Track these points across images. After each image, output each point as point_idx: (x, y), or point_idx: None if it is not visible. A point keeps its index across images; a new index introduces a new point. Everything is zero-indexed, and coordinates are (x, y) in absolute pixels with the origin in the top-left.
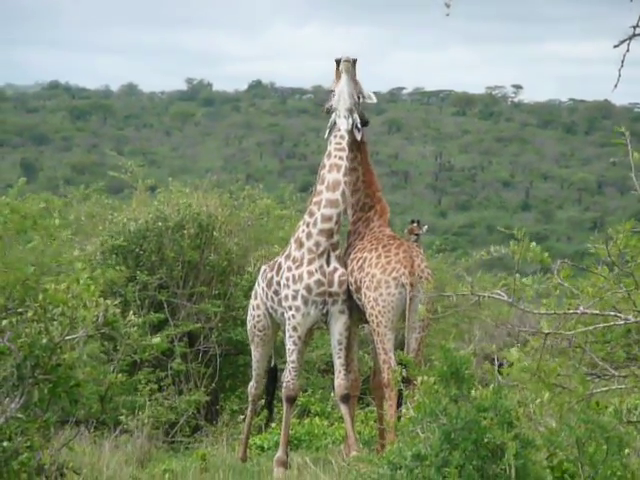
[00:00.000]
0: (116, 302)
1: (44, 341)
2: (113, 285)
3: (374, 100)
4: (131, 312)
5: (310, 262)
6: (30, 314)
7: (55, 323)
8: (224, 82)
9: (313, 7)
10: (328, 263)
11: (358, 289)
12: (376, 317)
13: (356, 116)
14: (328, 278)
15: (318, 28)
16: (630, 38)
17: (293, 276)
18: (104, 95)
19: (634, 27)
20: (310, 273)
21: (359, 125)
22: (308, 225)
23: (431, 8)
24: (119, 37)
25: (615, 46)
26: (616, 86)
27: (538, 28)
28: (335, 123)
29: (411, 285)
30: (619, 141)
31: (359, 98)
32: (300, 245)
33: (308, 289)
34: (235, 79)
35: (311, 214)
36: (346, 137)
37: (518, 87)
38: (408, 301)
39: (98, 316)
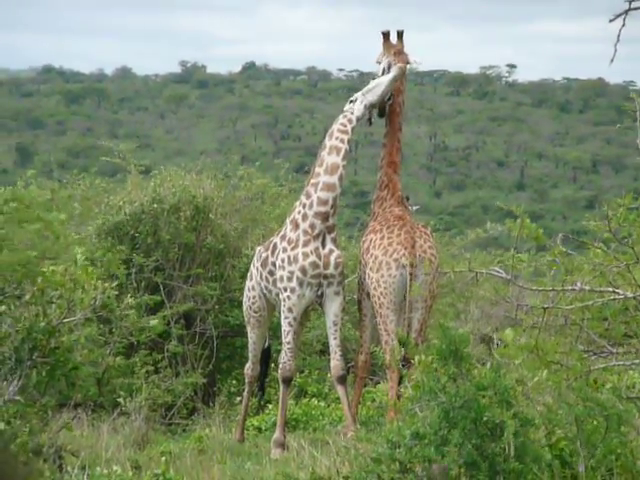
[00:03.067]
0: (113, 285)
1: (42, 324)
2: (110, 267)
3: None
4: (128, 295)
5: (305, 244)
6: (28, 297)
7: (53, 306)
8: (218, 64)
9: None
10: (324, 245)
11: (364, 270)
12: (378, 298)
13: (375, 112)
14: (324, 260)
15: (311, 9)
16: (626, 12)
17: (288, 257)
18: (98, 79)
19: (629, 1)
20: (305, 255)
21: (372, 120)
22: (304, 206)
23: None
24: (112, 21)
25: (611, 20)
26: (612, 61)
27: (531, 7)
28: (355, 101)
29: (411, 266)
30: (627, 107)
31: (388, 99)
32: (296, 226)
33: (303, 271)
34: (229, 61)
35: (308, 195)
36: (354, 123)
37: (512, 66)
38: (408, 282)
39: (96, 299)
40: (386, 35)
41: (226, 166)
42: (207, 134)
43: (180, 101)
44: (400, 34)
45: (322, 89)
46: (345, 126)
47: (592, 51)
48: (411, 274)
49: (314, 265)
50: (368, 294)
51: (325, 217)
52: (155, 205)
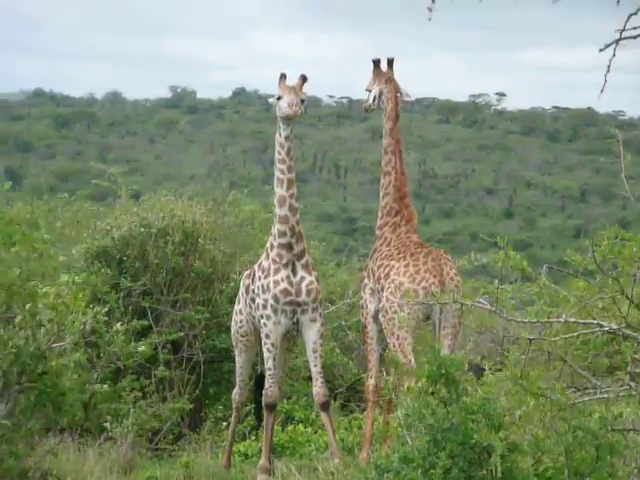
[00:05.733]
0: (104, 310)
1: (31, 349)
2: (97, 292)
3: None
4: (118, 323)
5: (276, 272)
6: (18, 320)
7: (42, 330)
8: (208, 90)
9: (296, 15)
10: (295, 273)
11: (381, 294)
12: (399, 321)
13: (292, 126)
14: (295, 288)
15: (302, 35)
16: (616, 42)
17: (262, 285)
18: (88, 103)
19: (620, 31)
20: (276, 282)
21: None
22: (272, 236)
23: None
24: (103, 45)
25: (601, 50)
26: (602, 91)
27: (521, 36)
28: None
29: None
30: (609, 143)
31: (374, 100)
32: (267, 255)
33: (275, 298)
34: (219, 86)
35: (273, 226)
36: (285, 145)
37: (501, 95)
38: (439, 311)
39: (85, 324)
40: (376, 63)
41: (215, 191)
42: (197, 159)
43: (170, 126)
44: (390, 62)
45: (312, 115)
46: (280, 154)
47: (582, 80)
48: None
49: (286, 292)
50: (374, 317)
51: (289, 246)
52: (143, 229)
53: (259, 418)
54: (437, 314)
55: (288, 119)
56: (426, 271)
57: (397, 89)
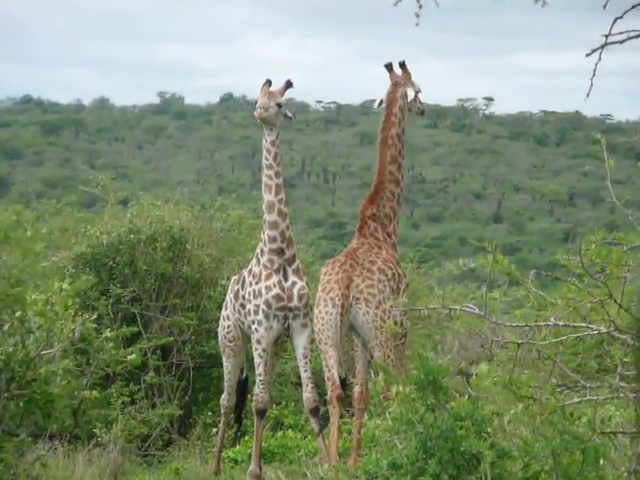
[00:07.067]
0: (93, 317)
1: (20, 355)
2: (86, 298)
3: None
4: (108, 330)
5: (268, 277)
6: (7, 327)
7: (31, 337)
8: (196, 95)
9: (285, 20)
10: (286, 278)
11: None
12: (317, 334)
13: (277, 131)
14: (287, 293)
15: (290, 41)
16: (602, 47)
17: (254, 291)
18: (76, 109)
19: (606, 36)
20: (268, 288)
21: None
22: (262, 242)
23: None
24: (91, 52)
25: (587, 55)
26: (588, 95)
27: (508, 40)
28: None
29: (341, 307)
30: (595, 148)
31: (380, 104)
32: (258, 261)
33: (267, 304)
34: (207, 92)
35: (262, 232)
36: (272, 151)
37: (489, 99)
38: (339, 320)
39: (74, 331)
40: (388, 67)
41: (203, 197)
42: (185, 165)
43: (158, 132)
44: (402, 65)
45: (300, 121)
46: (267, 159)
47: (569, 84)
48: (342, 314)
49: (278, 298)
50: (351, 326)
51: (280, 252)
52: (132, 236)
53: (240, 422)
54: (359, 325)
55: (264, 123)
56: (335, 282)
57: (401, 93)
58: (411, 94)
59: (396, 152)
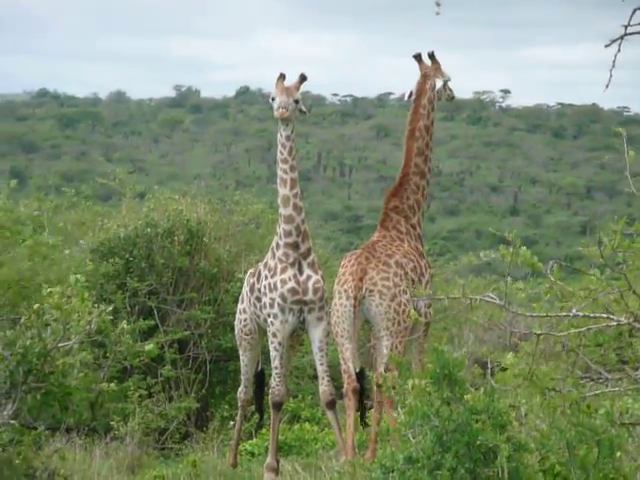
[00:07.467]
0: (109, 309)
1: (37, 348)
2: (103, 292)
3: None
4: (124, 322)
5: (283, 271)
6: (24, 320)
7: (48, 330)
8: (212, 89)
9: (300, 14)
10: (301, 272)
11: None
12: (333, 327)
13: (293, 126)
14: (302, 287)
15: (305, 34)
16: (621, 38)
17: (269, 284)
18: (92, 103)
19: (625, 26)
20: (283, 281)
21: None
22: (277, 236)
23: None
24: (107, 45)
25: (606, 46)
26: (607, 86)
27: (524, 33)
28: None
29: (354, 298)
30: (614, 141)
31: (410, 96)
32: (273, 255)
33: (283, 297)
34: (223, 85)
35: (278, 226)
36: (287, 145)
37: (506, 92)
38: (353, 313)
39: (91, 323)
40: (418, 57)
41: (221, 191)
42: (201, 158)
43: (174, 125)
44: (431, 56)
45: (316, 114)
46: (282, 153)
47: (586, 77)
48: (355, 306)
49: (293, 291)
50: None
51: (295, 246)
52: (149, 229)
53: (261, 415)
54: (372, 317)
55: (284, 121)
56: (350, 274)
57: (430, 84)
58: (439, 83)
59: (423, 144)
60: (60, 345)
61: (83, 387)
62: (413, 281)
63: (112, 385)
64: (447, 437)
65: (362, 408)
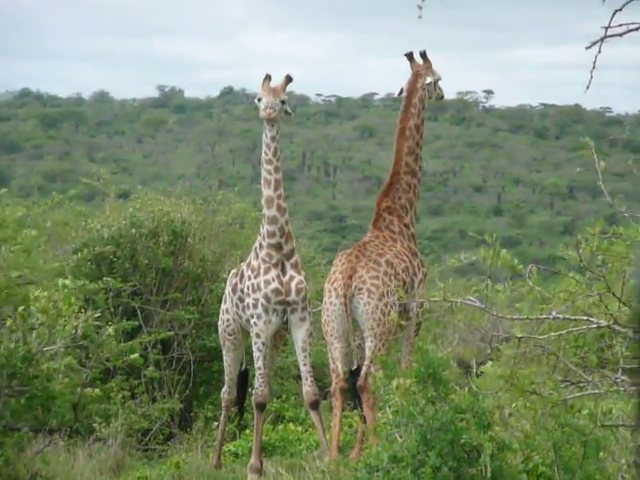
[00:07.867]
0: (97, 314)
1: (22, 352)
2: (86, 292)
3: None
4: (111, 328)
5: (266, 271)
6: (9, 323)
7: (34, 333)
8: (196, 89)
9: (284, 14)
10: (284, 272)
11: None
12: (323, 326)
13: (278, 127)
14: (285, 287)
15: (289, 35)
16: (602, 39)
17: (252, 285)
18: (76, 103)
19: (606, 28)
20: (267, 282)
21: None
22: (261, 236)
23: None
24: (90, 45)
25: (587, 47)
26: (588, 87)
27: (508, 34)
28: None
29: (344, 297)
30: (587, 150)
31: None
32: (256, 255)
33: (266, 298)
34: (207, 86)
35: (261, 226)
36: (272, 146)
37: (489, 92)
38: (343, 311)
39: (77, 327)
40: (409, 56)
41: (205, 191)
42: (185, 158)
43: (158, 125)
44: (423, 55)
45: (300, 114)
46: (267, 154)
47: (569, 78)
48: (345, 304)
49: (277, 292)
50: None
51: (278, 246)
52: (133, 230)
53: (241, 414)
54: (359, 315)
55: (270, 122)
56: (340, 272)
57: (421, 84)
58: (429, 81)
59: (413, 143)
60: (45, 349)
61: (67, 391)
62: (404, 282)
63: (96, 390)
64: (431, 435)
65: (361, 405)
